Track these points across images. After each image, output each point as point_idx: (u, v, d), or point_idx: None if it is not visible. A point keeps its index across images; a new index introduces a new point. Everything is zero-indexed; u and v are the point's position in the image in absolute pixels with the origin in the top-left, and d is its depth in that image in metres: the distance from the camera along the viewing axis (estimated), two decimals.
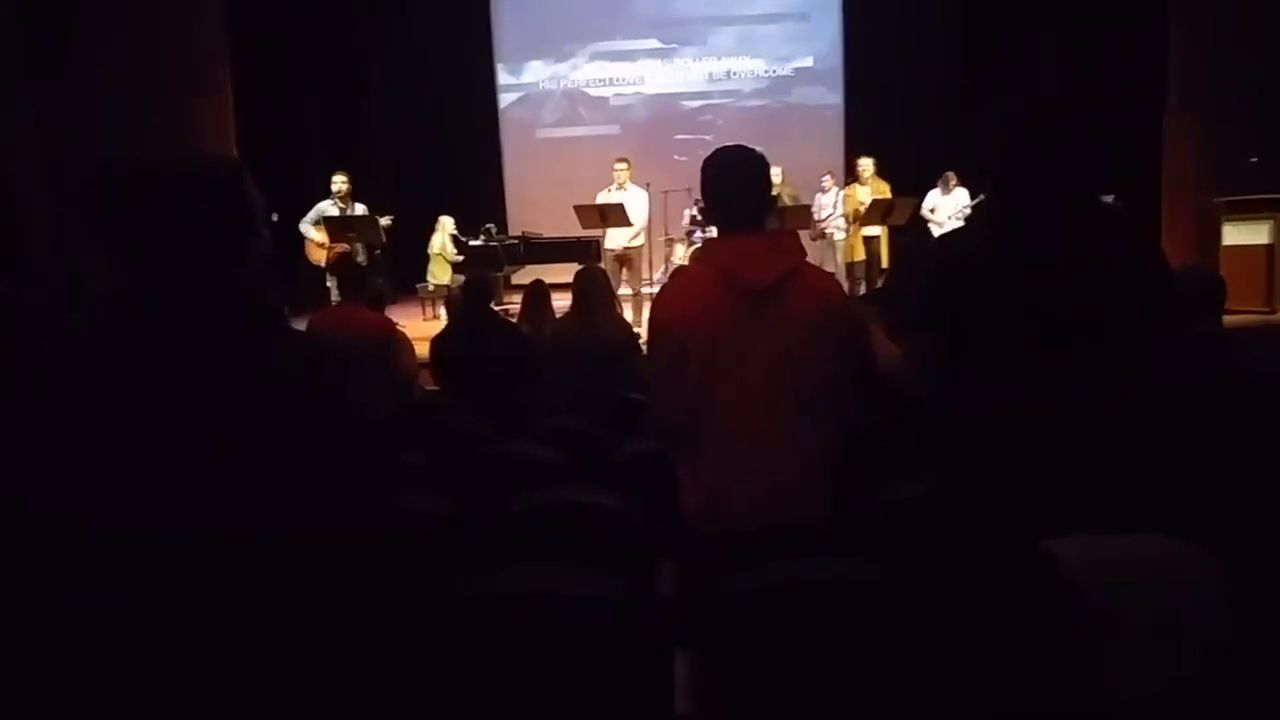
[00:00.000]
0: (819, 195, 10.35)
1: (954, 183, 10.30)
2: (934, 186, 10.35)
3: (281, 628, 1.42)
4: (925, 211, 10.22)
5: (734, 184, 2.43)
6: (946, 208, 10.27)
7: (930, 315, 2.15)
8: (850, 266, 9.97)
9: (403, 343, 5.26)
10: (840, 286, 2.54)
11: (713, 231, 10.21)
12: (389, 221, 8.91)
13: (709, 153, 2.47)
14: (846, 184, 10.50)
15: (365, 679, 1.51)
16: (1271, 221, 8.02)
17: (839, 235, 10.21)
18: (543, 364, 4.96)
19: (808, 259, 2.44)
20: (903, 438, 3.10)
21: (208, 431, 1.39)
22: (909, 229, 9.73)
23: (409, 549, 1.78)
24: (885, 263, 9.86)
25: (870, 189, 9.93)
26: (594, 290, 5.10)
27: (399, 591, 1.55)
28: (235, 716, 1.41)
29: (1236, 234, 8.18)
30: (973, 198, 10.16)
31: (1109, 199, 9.03)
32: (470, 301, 5.19)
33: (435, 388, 5.37)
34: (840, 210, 10.23)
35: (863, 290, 9.30)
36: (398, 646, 1.60)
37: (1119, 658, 1.27)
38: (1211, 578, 1.38)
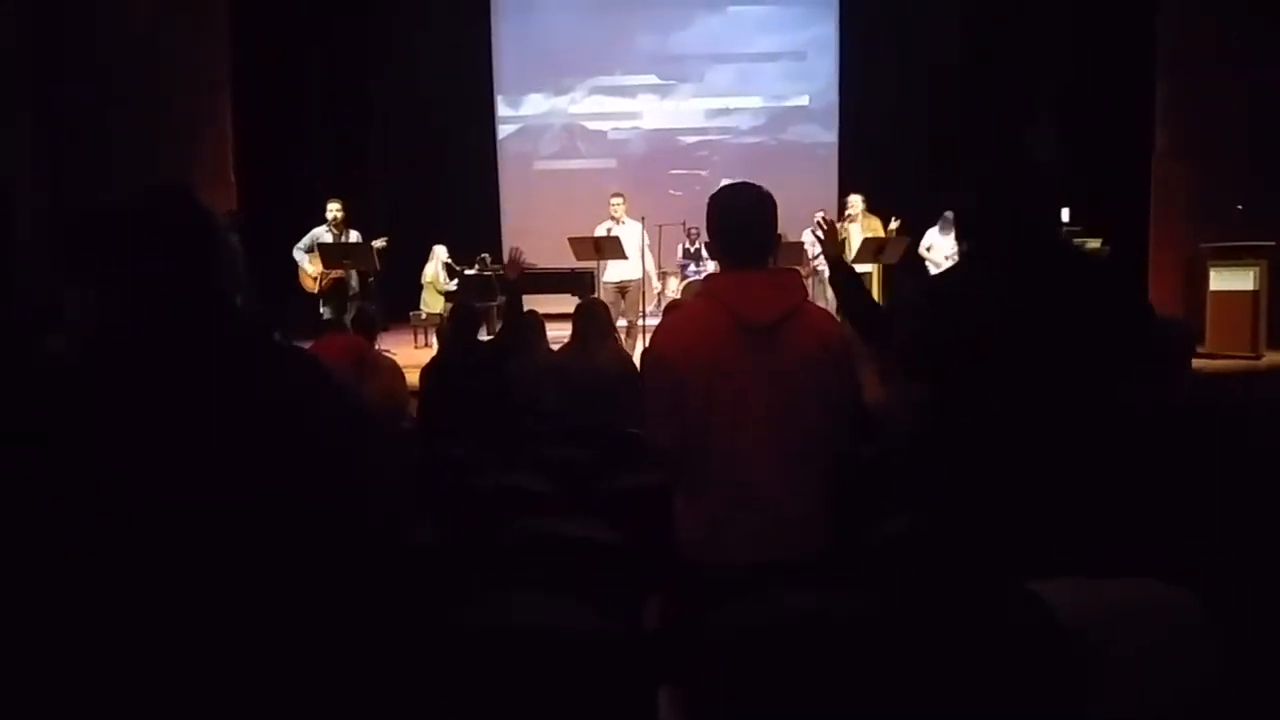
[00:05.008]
0: (809, 231, 10.40)
1: (954, 223, 10.31)
2: (926, 226, 10.40)
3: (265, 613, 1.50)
4: (922, 250, 10.25)
5: (740, 219, 2.45)
6: (944, 247, 10.30)
7: (915, 357, 2.18)
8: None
9: (389, 368, 5.29)
10: (839, 325, 2.56)
11: (707, 266, 10.34)
12: (383, 243, 8.94)
13: (704, 188, 2.49)
14: (839, 220, 10.54)
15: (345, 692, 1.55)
16: (1257, 268, 8.10)
17: (829, 272, 10.23)
18: (532, 394, 4.97)
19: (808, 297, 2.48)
20: (899, 473, 3.12)
21: (198, 428, 1.49)
22: (905, 268, 9.77)
23: (396, 576, 1.80)
24: (877, 300, 9.87)
25: (861, 226, 9.95)
26: (593, 321, 5.10)
27: (384, 589, 1.61)
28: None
29: (1223, 280, 8.24)
30: None
31: (1097, 244, 9.12)
32: (457, 330, 5.20)
33: (423, 416, 5.37)
34: None
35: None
36: (377, 668, 1.63)
37: (1105, 694, 1.29)
38: (1195, 617, 1.40)
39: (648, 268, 9.34)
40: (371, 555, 1.63)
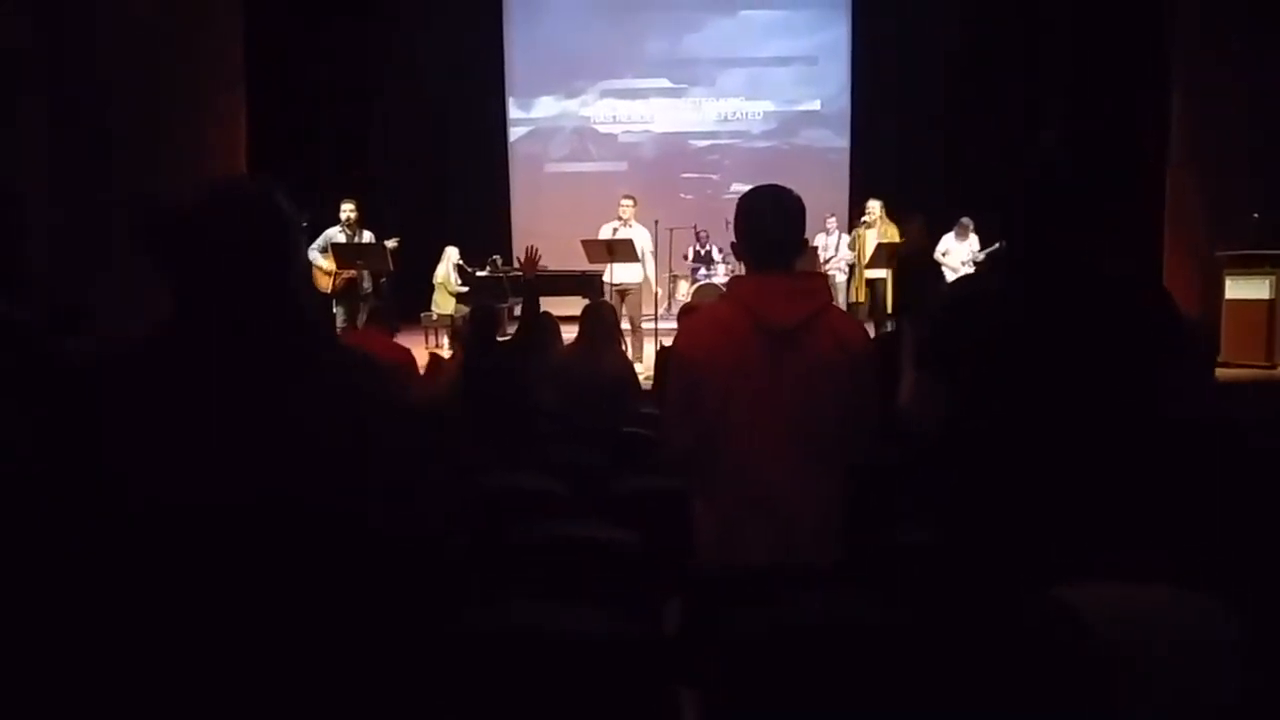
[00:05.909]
0: (822, 236, 10.40)
1: (970, 229, 10.32)
2: (938, 231, 10.39)
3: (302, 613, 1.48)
4: (938, 255, 10.23)
5: (769, 222, 2.44)
6: (960, 253, 10.28)
7: (939, 354, 2.16)
8: (853, 307, 10.00)
9: (430, 371, 5.36)
10: (864, 331, 2.54)
11: (717, 269, 10.35)
12: (395, 244, 8.95)
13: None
14: (854, 227, 10.54)
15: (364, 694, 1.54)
16: (1273, 277, 8.04)
17: (840, 276, 10.24)
18: (544, 395, 4.97)
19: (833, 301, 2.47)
20: (919, 478, 3.10)
21: (266, 434, 1.46)
22: (920, 271, 9.71)
23: (424, 584, 1.80)
24: (890, 305, 9.87)
25: (879, 231, 9.93)
26: (600, 325, 5.13)
27: (420, 594, 1.60)
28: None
29: (1238, 288, 8.19)
30: (984, 246, 10.18)
31: None
32: (476, 332, 5.21)
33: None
34: (843, 252, 10.27)
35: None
36: (393, 671, 1.62)
37: (1133, 700, 1.28)
38: (1223, 624, 1.39)
39: (648, 273, 9.31)
40: (409, 564, 1.62)
